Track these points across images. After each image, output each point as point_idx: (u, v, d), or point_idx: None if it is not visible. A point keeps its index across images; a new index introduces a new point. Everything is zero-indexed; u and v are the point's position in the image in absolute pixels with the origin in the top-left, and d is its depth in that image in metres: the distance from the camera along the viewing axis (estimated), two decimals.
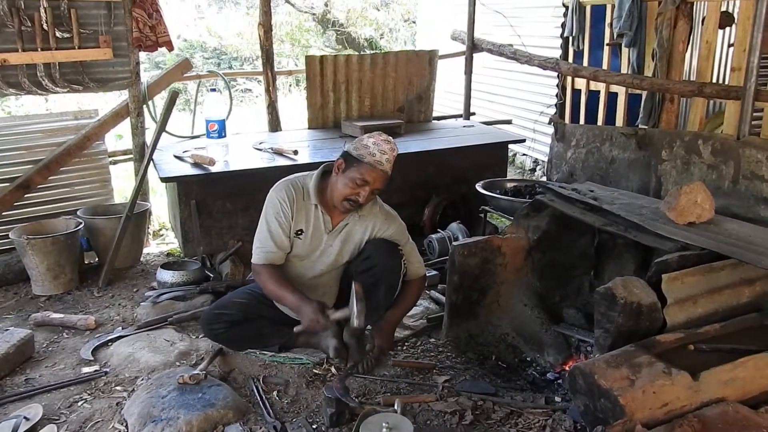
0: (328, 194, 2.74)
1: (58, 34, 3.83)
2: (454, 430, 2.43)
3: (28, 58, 3.79)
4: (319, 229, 2.78)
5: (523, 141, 5.24)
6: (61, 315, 3.37)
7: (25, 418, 2.45)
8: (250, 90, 12.05)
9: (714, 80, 5.14)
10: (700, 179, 3.14)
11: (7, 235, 3.77)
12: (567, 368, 2.78)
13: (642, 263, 2.97)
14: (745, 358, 2.19)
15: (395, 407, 2.29)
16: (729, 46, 5.22)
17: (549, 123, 5.21)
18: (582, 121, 5.57)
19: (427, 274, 3.18)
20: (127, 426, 2.45)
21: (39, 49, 3.81)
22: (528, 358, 2.99)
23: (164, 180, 3.83)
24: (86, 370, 2.88)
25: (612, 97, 5.28)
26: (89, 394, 2.69)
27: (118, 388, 2.73)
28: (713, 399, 2.11)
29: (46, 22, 3.78)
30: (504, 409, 2.53)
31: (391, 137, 2.71)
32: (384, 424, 2.12)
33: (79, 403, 2.62)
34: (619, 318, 2.30)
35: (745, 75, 3.17)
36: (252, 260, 2.78)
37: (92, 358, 2.97)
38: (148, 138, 4.23)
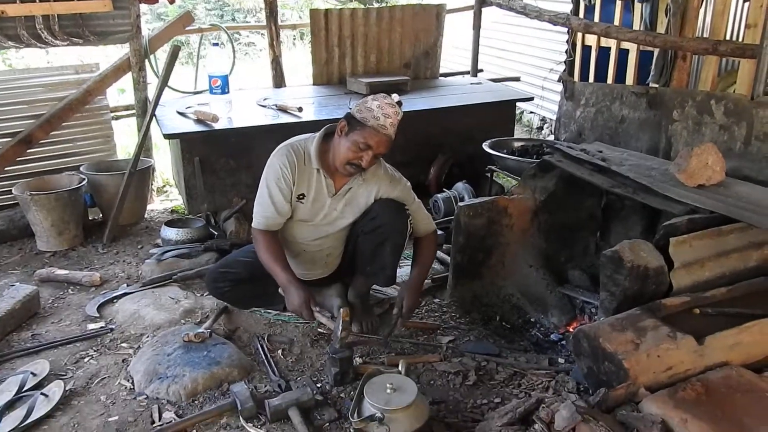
0: (330, 157, 2.67)
1: None
2: (457, 390, 2.45)
3: (26, 9, 3.70)
4: (321, 193, 2.73)
5: (531, 99, 5.15)
6: (66, 271, 3.39)
7: (32, 373, 2.47)
8: (253, 43, 11.84)
9: (728, 37, 5.00)
10: (711, 140, 3.09)
11: (11, 190, 3.76)
12: (571, 330, 2.79)
13: (649, 225, 2.95)
14: (751, 322, 2.19)
15: (399, 368, 2.30)
16: (745, 1, 5.06)
17: (558, 81, 5.11)
18: (591, 78, 5.45)
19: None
20: (133, 382, 2.48)
21: (37, 1, 3.72)
22: (532, 319, 3.00)
23: (167, 137, 3.79)
24: (92, 326, 2.91)
25: (623, 54, 5.14)
26: (95, 351, 2.72)
27: (123, 344, 2.76)
28: (717, 363, 2.12)
29: None
30: (507, 370, 2.55)
31: (396, 99, 2.62)
32: (388, 385, 2.13)
33: (86, 359, 2.66)
34: (625, 281, 2.29)
35: (762, 33, 3.08)
36: (252, 224, 2.76)
37: (98, 315, 2.99)
38: (151, 93, 4.17)
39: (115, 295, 3.16)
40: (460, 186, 4.15)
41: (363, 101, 2.60)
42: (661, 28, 4.57)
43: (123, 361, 2.64)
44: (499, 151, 3.95)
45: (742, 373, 2.08)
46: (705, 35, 4.79)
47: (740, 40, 4.79)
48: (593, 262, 3.15)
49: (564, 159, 3.09)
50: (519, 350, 2.75)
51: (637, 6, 4.86)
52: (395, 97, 4.34)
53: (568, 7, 5.59)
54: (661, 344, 2.07)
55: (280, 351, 2.72)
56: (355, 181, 2.73)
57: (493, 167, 4.02)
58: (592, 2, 5.27)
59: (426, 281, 3.26)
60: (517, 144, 4.21)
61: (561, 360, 2.65)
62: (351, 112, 2.60)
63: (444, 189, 4.21)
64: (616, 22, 5.10)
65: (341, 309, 2.52)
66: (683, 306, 2.29)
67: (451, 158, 4.44)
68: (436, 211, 4.08)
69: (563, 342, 2.79)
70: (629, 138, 3.58)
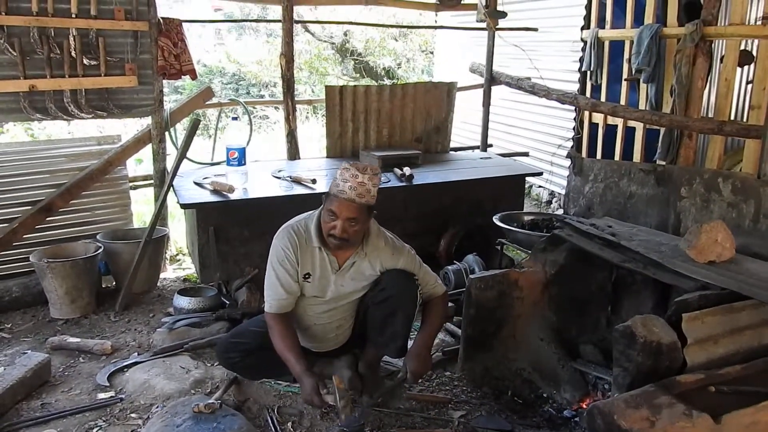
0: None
1: (85, 61, 3.91)
2: None
3: (55, 84, 3.87)
4: (326, 270, 2.77)
5: (540, 174, 5.25)
6: (78, 339, 3.39)
7: None
8: (267, 116, 12.18)
9: (732, 117, 5.14)
10: (719, 217, 3.12)
11: (28, 257, 3.82)
12: (584, 406, 2.75)
13: (660, 301, 2.94)
14: None
15: None
16: (748, 83, 5.22)
17: (566, 157, 5.22)
18: (599, 155, 5.57)
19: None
20: None
21: (66, 76, 3.89)
22: (544, 394, 2.96)
23: (184, 206, 3.87)
24: (102, 396, 2.89)
25: (629, 132, 5.28)
26: (104, 421, 2.69)
27: (133, 415, 2.74)
28: None
29: (75, 50, 3.86)
30: None
31: (368, 167, 2.65)
32: None
33: (95, 430, 2.63)
34: (638, 357, 2.28)
35: (766, 114, 3.17)
36: (264, 308, 2.79)
37: (108, 384, 2.98)
38: (169, 164, 4.29)
39: (125, 363, 3.16)
40: (471, 258, 4.17)
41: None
42: (666, 108, 4.71)
43: (132, 431, 2.61)
44: (509, 225, 3.99)
45: None
46: (710, 114, 4.92)
47: (745, 120, 4.91)
48: (605, 337, 3.13)
49: (574, 233, 3.13)
50: (532, 426, 2.71)
51: (643, 86, 5.01)
52: (407, 170, 4.47)
53: (575, 87, 5.78)
54: (677, 422, 2.04)
55: (290, 423, 2.69)
56: (358, 255, 2.77)
57: (503, 240, 4.05)
58: (599, 82, 5.45)
59: (437, 354, 3.25)
60: (527, 218, 4.26)
61: None
62: None
63: (454, 261, 4.23)
64: (623, 102, 5.26)
65: (334, 376, 2.51)
66: (698, 383, 2.27)
67: (461, 230, 4.49)
68: (446, 283, 4.08)
69: (577, 418, 2.75)
70: (638, 214, 3.62)
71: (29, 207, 4.00)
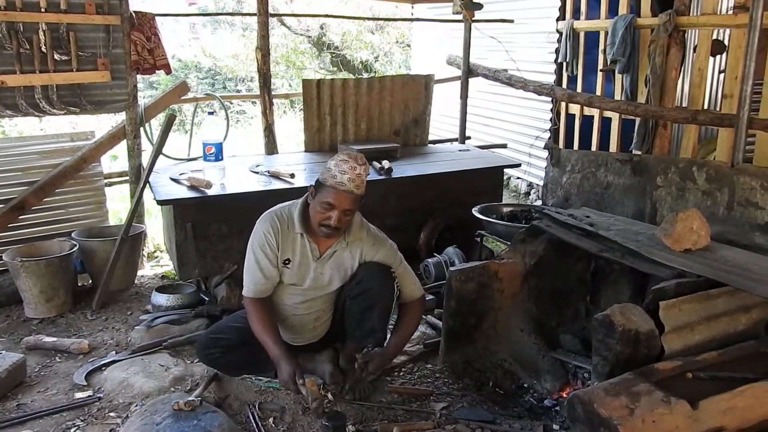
0: (311, 221, 2.74)
1: (56, 56, 3.84)
2: None
3: (26, 80, 3.79)
4: (306, 257, 2.77)
5: (519, 165, 5.27)
6: (54, 338, 3.34)
7: None
8: (244, 111, 12.08)
9: (706, 106, 5.20)
10: (694, 205, 3.16)
11: (1, 257, 3.74)
12: (564, 395, 2.78)
13: (638, 289, 2.97)
14: (744, 386, 2.19)
15: None
16: (720, 72, 5.29)
17: (544, 148, 5.25)
18: (576, 145, 5.61)
19: (426, 298, 3.16)
20: None
21: (37, 72, 3.81)
22: (525, 385, 2.98)
23: (160, 203, 3.82)
24: (79, 395, 2.85)
25: (606, 122, 5.32)
26: (82, 421, 2.66)
27: (111, 414, 2.70)
28: (712, 428, 2.10)
29: (45, 45, 3.79)
30: None
31: (358, 156, 2.65)
32: None
33: (72, 430, 2.59)
34: (617, 345, 2.30)
35: (738, 103, 3.22)
36: (243, 292, 2.78)
37: (85, 383, 2.94)
38: (145, 160, 4.23)
39: (103, 362, 3.12)
40: (451, 251, 4.18)
41: (327, 163, 2.67)
42: (641, 98, 4.75)
43: (111, 431, 2.58)
44: (488, 216, 4.01)
45: None
46: (684, 104, 4.98)
47: (718, 109, 4.97)
48: (584, 326, 3.16)
49: (552, 224, 3.14)
50: (513, 416, 2.72)
51: (618, 77, 5.05)
52: (386, 163, 4.47)
53: (551, 78, 5.81)
54: (656, 409, 2.06)
55: (271, 419, 2.67)
56: (339, 244, 2.77)
57: (483, 232, 4.07)
58: (575, 73, 5.48)
59: (418, 346, 3.26)
60: (505, 209, 4.28)
61: (556, 426, 2.63)
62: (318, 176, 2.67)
63: (435, 254, 4.24)
64: (598, 92, 5.30)
65: (306, 380, 2.51)
66: (676, 370, 2.30)
67: (441, 223, 4.49)
68: (426, 275, 4.10)
69: (557, 407, 2.77)
70: (615, 203, 3.65)
71: (1, 205, 3.92)
